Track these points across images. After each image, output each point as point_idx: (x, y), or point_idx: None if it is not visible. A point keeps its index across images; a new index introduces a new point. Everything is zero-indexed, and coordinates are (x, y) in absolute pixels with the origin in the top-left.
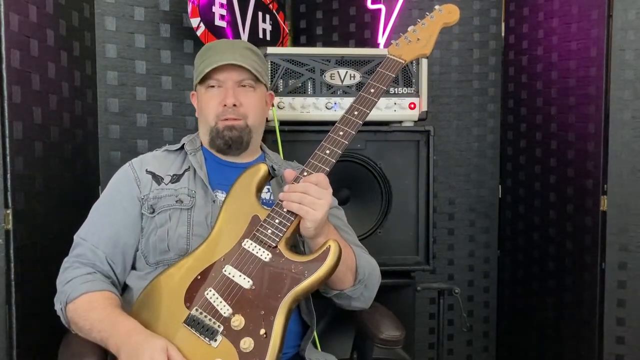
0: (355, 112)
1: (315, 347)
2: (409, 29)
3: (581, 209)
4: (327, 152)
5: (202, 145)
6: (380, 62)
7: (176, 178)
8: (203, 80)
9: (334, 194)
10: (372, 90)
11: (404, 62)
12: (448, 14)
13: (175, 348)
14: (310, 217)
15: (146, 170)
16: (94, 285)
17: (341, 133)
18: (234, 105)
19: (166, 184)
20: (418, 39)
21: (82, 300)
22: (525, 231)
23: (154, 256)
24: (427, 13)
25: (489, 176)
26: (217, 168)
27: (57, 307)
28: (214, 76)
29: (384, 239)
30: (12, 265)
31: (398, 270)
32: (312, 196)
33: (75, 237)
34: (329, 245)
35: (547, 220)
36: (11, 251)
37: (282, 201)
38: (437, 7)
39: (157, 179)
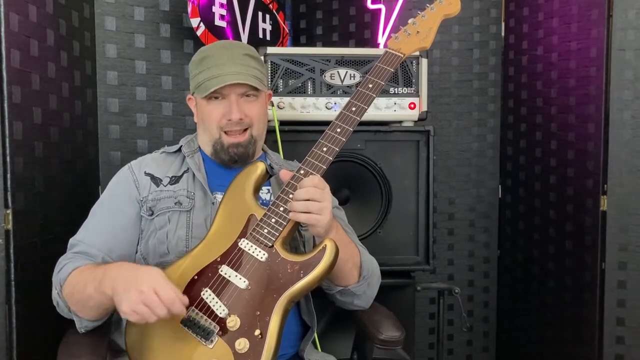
0: (353, 109)
1: (315, 347)
2: (409, 21)
3: (581, 209)
4: (325, 149)
5: (199, 147)
6: None
7: (175, 180)
8: (200, 94)
9: (334, 194)
10: (371, 86)
11: (402, 55)
12: (449, 5)
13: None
14: (320, 224)
15: (145, 172)
16: (82, 262)
17: (338, 130)
18: (240, 118)
19: (165, 186)
20: (418, 32)
21: (74, 274)
22: (525, 231)
23: (154, 258)
24: (427, 5)
25: (489, 176)
26: (216, 169)
27: (54, 295)
28: (217, 90)
29: (384, 239)
30: (12, 265)
31: (398, 270)
32: (317, 201)
33: (71, 240)
34: (325, 245)
35: (547, 220)
36: (11, 251)
37: (281, 206)
38: None
39: (156, 180)
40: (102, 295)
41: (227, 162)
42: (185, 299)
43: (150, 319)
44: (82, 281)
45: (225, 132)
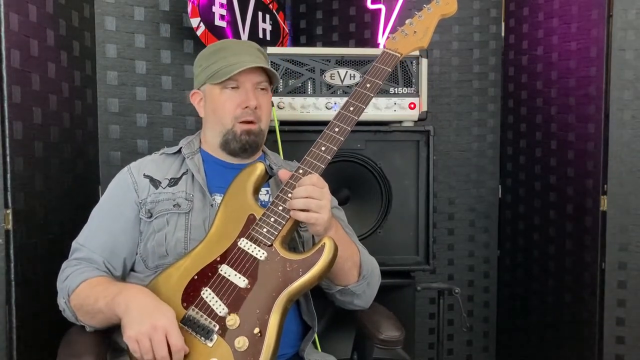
0: (351, 108)
1: (315, 347)
2: (406, 21)
3: (581, 209)
4: (323, 148)
5: (200, 147)
6: None
7: (174, 182)
8: (217, 80)
9: (334, 194)
10: (368, 85)
11: (400, 55)
12: (445, 5)
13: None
14: (319, 222)
15: (144, 175)
16: (92, 273)
17: (337, 129)
18: (255, 107)
19: (164, 188)
20: (415, 32)
21: (83, 285)
22: (525, 231)
23: (153, 260)
24: (424, 5)
25: (489, 176)
26: (216, 170)
27: (61, 302)
28: (234, 77)
29: (384, 239)
30: (12, 265)
31: (398, 270)
32: (316, 199)
33: (73, 243)
34: (324, 243)
35: (547, 220)
36: (11, 251)
37: (280, 205)
38: None
39: (155, 182)
40: (112, 312)
41: (238, 151)
42: (187, 350)
43: (147, 355)
44: (94, 295)
45: (239, 122)
